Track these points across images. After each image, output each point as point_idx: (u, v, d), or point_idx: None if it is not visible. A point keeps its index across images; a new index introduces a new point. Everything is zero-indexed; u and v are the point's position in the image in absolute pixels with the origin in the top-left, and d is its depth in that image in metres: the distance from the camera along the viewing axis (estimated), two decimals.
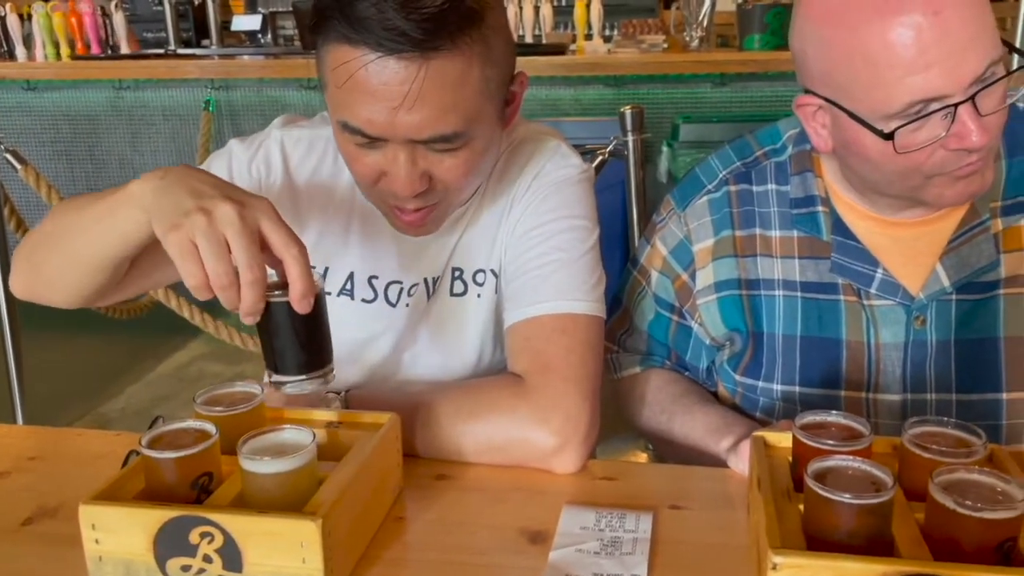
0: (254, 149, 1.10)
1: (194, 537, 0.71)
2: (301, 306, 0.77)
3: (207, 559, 0.71)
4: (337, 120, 0.93)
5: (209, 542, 0.71)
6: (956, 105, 0.86)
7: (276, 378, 0.83)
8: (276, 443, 0.77)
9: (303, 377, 0.82)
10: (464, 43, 0.87)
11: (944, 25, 0.84)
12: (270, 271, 0.78)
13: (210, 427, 0.78)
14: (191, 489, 0.75)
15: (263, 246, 0.77)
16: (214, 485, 0.77)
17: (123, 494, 0.76)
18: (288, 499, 0.73)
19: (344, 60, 0.87)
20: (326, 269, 1.12)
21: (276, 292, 0.78)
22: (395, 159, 0.92)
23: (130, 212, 0.83)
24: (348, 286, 1.12)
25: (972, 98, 0.86)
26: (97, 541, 0.73)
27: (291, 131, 1.12)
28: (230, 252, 0.75)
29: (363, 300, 1.12)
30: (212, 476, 0.77)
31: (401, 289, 1.11)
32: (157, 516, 0.71)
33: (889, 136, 0.89)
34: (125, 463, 0.86)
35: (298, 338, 0.81)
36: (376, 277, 1.11)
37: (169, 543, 0.71)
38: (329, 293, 1.11)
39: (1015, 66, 0.93)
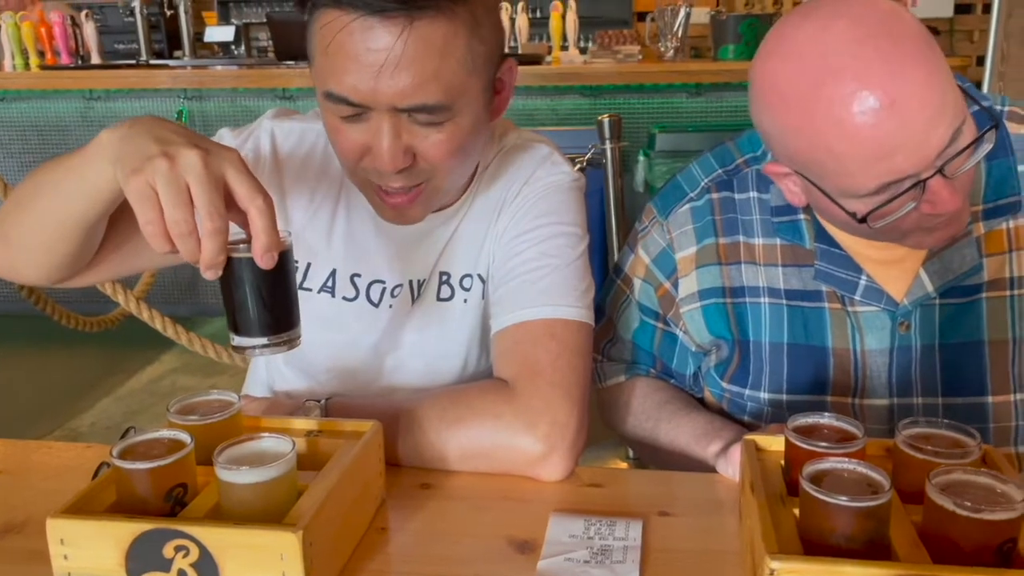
0: (243, 138, 1.09)
1: (168, 551, 0.68)
2: (264, 261, 0.74)
3: (182, 574, 0.68)
4: (322, 92, 0.91)
5: (184, 556, 0.68)
6: (925, 179, 0.85)
7: (237, 341, 0.79)
8: (254, 452, 0.74)
9: (265, 341, 0.79)
10: (450, 9, 0.86)
11: (901, 114, 0.82)
12: (238, 229, 0.76)
13: (185, 436, 0.75)
14: (165, 501, 0.73)
15: (231, 204, 0.74)
16: (189, 497, 0.74)
17: (93, 507, 0.73)
18: (267, 510, 0.71)
19: (329, 20, 0.86)
20: (308, 264, 1.09)
21: (240, 246, 0.75)
22: (379, 131, 0.90)
23: (98, 164, 0.80)
24: (330, 283, 1.09)
25: (940, 169, 0.85)
26: (66, 557, 0.70)
27: (283, 123, 1.10)
28: (193, 202, 0.72)
29: (344, 298, 1.10)
30: (187, 487, 0.74)
31: (384, 289, 1.09)
32: (129, 530, 0.68)
33: (863, 220, 0.89)
34: (96, 475, 0.83)
35: (261, 297, 0.77)
36: (359, 275, 1.09)
37: (142, 558, 0.68)
38: (309, 289, 1.09)
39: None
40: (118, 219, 0.92)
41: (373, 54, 0.85)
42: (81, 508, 0.72)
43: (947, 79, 0.84)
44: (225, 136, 1.09)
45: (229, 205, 0.74)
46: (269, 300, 0.78)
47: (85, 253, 0.94)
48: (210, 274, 0.74)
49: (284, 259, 0.77)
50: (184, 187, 0.72)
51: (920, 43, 0.83)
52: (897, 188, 0.86)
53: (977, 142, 0.86)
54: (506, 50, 0.99)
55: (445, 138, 0.92)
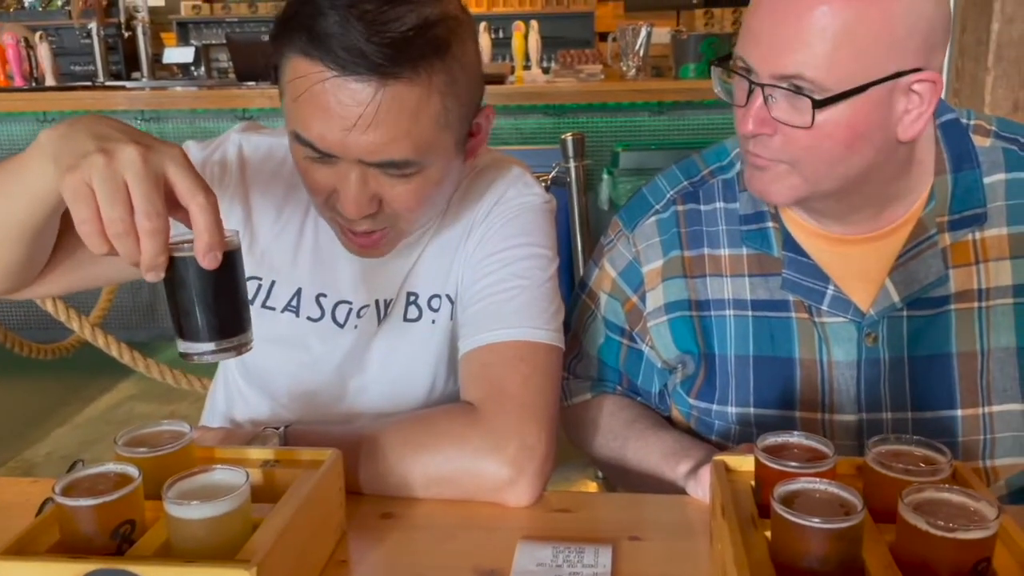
0: (210, 151, 1.07)
1: None
2: (207, 260, 0.71)
3: None
4: (291, 130, 0.90)
5: None
6: (752, 83, 0.90)
7: (183, 347, 0.76)
8: (206, 485, 0.71)
9: (212, 346, 0.75)
10: (426, 72, 0.85)
11: (788, 13, 0.87)
12: (185, 229, 0.73)
13: (132, 470, 0.72)
14: (111, 539, 0.69)
15: (175, 202, 0.72)
16: (137, 534, 0.71)
17: (35, 547, 0.70)
18: (219, 546, 0.67)
19: (301, 74, 0.85)
20: (272, 282, 1.07)
21: (184, 246, 0.72)
22: (345, 177, 0.89)
23: (38, 165, 0.77)
24: (294, 302, 1.07)
25: (763, 87, 0.89)
26: None
27: (251, 136, 1.09)
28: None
29: (308, 318, 1.07)
30: (135, 524, 0.71)
31: (350, 310, 1.07)
32: (73, 570, 0.65)
33: None
34: (40, 512, 0.79)
35: (205, 299, 0.74)
36: (324, 295, 1.07)
37: None
38: (273, 308, 1.07)
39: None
40: (70, 224, 0.89)
41: (344, 109, 0.84)
42: (22, 548, 0.68)
43: (853, 36, 0.85)
44: (192, 148, 1.07)
45: (174, 204, 0.72)
46: (215, 303, 0.75)
47: (36, 260, 0.91)
48: (151, 276, 0.72)
49: (231, 260, 0.74)
50: (121, 184, 0.69)
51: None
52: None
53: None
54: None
55: (413, 188, 0.91)
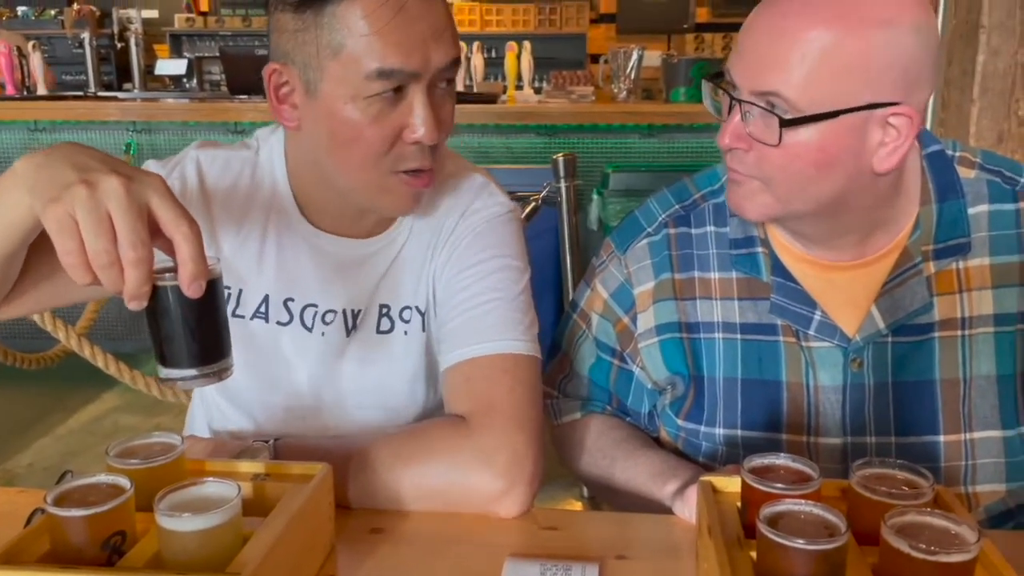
0: (169, 168, 1.08)
1: None
2: (192, 290, 0.72)
3: None
4: (369, 72, 0.91)
5: None
6: (733, 99, 0.94)
7: (165, 373, 0.77)
8: (197, 498, 0.71)
9: (194, 372, 0.76)
10: None
11: (763, 28, 0.91)
12: (165, 257, 0.73)
13: (124, 481, 0.72)
14: (102, 550, 0.69)
15: (156, 232, 0.72)
16: (128, 545, 0.71)
17: (24, 557, 0.69)
18: (210, 559, 0.68)
19: (379, 4, 0.90)
20: (240, 291, 1.08)
21: (167, 275, 0.73)
22: (416, 105, 0.94)
23: (15, 194, 0.76)
24: (263, 308, 1.08)
25: (741, 103, 0.92)
26: None
27: (207, 151, 1.10)
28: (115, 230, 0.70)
29: (278, 323, 1.08)
30: (125, 535, 0.71)
31: (316, 313, 1.08)
32: None
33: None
34: (28, 522, 0.79)
35: (188, 327, 0.75)
36: (292, 299, 1.08)
37: None
38: (243, 316, 1.08)
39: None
40: (43, 250, 0.88)
41: (424, 21, 0.91)
42: (11, 558, 0.68)
43: (830, 62, 0.87)
44: (151, 167, 1.08)
45: (154, 233, 0.72)
46: (198, 330, 0.75)
47: (2, 285, 0.90)
48: (134, 305, 0.72)
49: (213, 287, 0.75)
50: (105, 215, 0.69)
51: (860, 27, 0.87)
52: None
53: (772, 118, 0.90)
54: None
55: (452, 102, 0.99)
